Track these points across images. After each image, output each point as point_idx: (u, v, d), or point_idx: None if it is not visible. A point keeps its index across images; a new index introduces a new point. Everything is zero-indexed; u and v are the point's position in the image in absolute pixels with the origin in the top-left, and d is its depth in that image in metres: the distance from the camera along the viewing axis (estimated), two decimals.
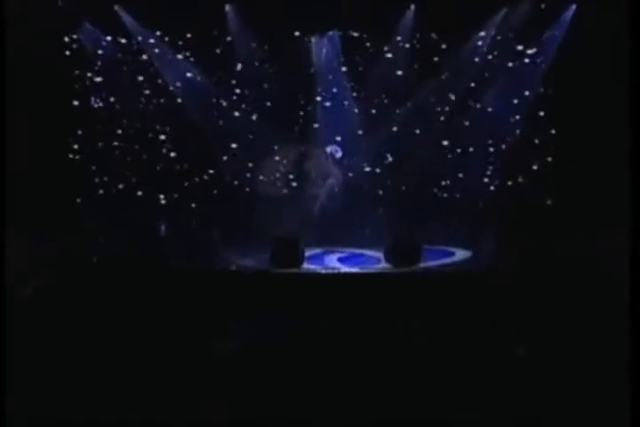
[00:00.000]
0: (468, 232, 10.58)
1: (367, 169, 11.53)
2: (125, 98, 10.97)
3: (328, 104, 11.44)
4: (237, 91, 11.34)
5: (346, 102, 11.49)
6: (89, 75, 10.83)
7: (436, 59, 11.11)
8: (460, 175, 11.39)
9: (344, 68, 11.32)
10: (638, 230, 5.01)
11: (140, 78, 11.07)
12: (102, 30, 10.73)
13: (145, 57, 10.99)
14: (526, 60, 11.10)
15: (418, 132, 11.38)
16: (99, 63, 10.86)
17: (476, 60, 11.17)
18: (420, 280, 7.75)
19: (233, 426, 4.47)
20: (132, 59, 11.01)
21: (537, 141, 11.07)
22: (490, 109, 11.28)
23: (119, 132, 11.00)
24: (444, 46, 11.02)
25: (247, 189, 11.40)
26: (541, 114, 11.07)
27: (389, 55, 11.28)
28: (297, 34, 11.11)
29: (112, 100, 10.91)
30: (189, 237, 10.44)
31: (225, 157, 11.37)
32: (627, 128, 5.61)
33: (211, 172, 11.37)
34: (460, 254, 10.02)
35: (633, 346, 4.45)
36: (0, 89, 6.51)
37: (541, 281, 7.02)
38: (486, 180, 11.36)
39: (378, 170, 11.52)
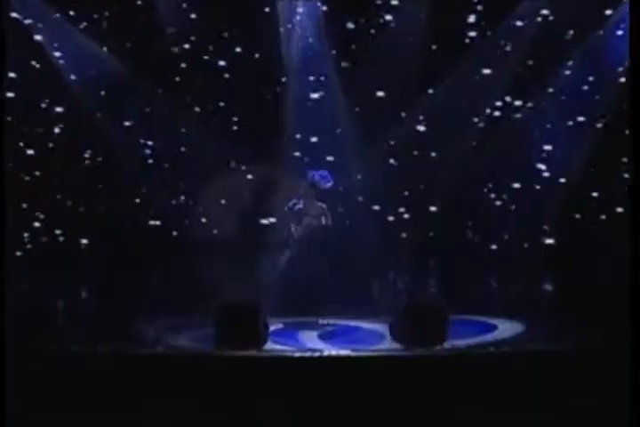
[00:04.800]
0: (515, 297, 10.39)
1: (367, 205, 11.54)
2: None
3: (307, 105, 11.41)
4: (167, 85, 11.34)
5: (335, 103, 11.53)
6: None
7: (466, 38, 11.36)
8: (503, 218, 11.46)
9: (329, 48, 11.45)
10: None
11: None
12: None
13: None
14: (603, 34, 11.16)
15: (440, 148, 11.57)
16: None
17: (526, 38, 11.32)
18: (447, 367, 7.52)
19: None
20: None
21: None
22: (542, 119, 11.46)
23: None
24: (478, 19, 11.22)
25: (178, 233, 11.41)
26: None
27: (399, 30, 11.39)
28: None
29: None
30: (93, 304, 10.17)
31: (145, 186, 11.42)
32: None
33: (123, 207, 11.39)
34: (505, 329, 9.81)
35: None
36: None
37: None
38: (537, 223, 11.37)
39: (382, 206, 11.51)
